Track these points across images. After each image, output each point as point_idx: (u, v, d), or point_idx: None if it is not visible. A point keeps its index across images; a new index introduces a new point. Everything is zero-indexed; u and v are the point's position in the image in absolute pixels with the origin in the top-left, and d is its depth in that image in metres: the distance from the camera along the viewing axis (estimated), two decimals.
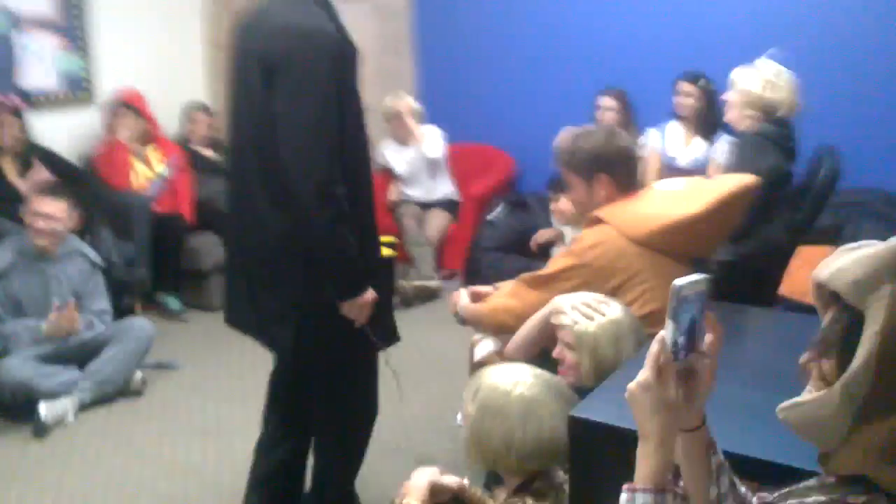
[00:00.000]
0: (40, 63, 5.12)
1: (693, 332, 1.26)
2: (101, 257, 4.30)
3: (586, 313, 2.29)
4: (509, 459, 2.00)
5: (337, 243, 2.32)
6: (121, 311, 4.42)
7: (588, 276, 2.54)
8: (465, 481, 2.13)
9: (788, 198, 3.60)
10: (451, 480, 2.08)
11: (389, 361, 2.67)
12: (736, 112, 3.61)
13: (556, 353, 2.32)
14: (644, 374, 1.26)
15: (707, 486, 1.36)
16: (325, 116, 2.26)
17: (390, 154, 5.71)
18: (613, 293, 2.48)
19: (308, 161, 2.25)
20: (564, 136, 2.79)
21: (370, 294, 2.42)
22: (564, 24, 5.65)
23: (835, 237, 4.10)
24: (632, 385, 1.28)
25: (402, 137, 5.63)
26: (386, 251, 4.99)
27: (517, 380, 2.03)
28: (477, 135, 5.96)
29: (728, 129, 4.17)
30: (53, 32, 5.17)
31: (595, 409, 1.91)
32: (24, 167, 4.72)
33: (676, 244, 2.55)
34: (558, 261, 2.66)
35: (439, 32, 6.17)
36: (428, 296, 5.16)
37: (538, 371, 2.08)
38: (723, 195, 2.59)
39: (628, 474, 1.39)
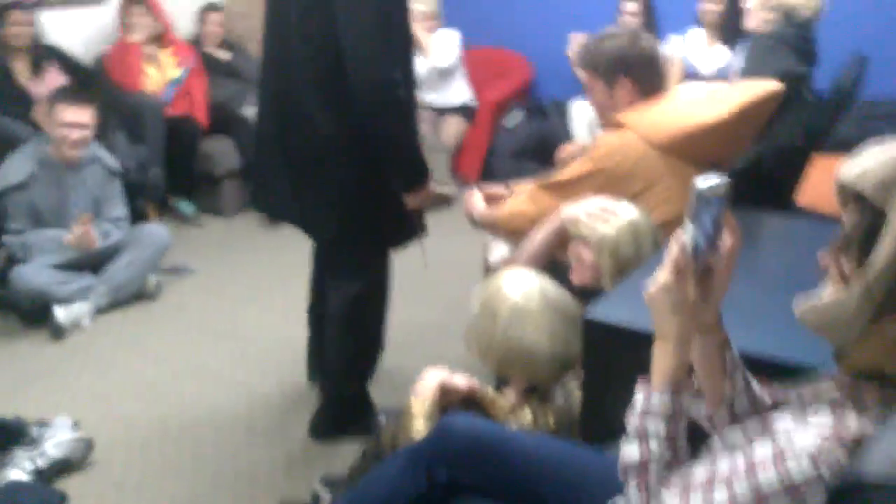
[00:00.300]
0: None
1: (712, 233, 1.25)
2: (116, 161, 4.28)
3: (603, 217, 2.26)
4: (489, 359, 2.08)
5: (403, 137, 2.52)
6: (135, 216, 4.41)
7: (607, 182, 2.49)
8: (476, 381, 2.14)
9: (807, 102, 3.51)
10: (461, 381, 2.11)
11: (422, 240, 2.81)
12: (756, 17, 3.50)
13: (574, 251, 2.29)
14: (663, 275, 1.26)
15: (721, 383, 1.36)
16: (386, 18, 2.39)
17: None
18: (633, 199, 2.43)
19: (374, 62, 2.38)
20: (586, 38, 2.73)
21: (432, 183, 2.65)
22: None
23: (857, 149, 4.01)
24: (651, 287, 1.28)
25: (423, 45, 5.52)
26: None
27: (521, 288, 2.06)
28: (494, 38, 5.84)
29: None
30: None
31: (608, 312, 1.90)
32: (36, 68, 4.63)
33: (698, 150, 2.49)
34: (576, 166, 2.60)
35: None
36: (442, 202, 5.13)
37: (548, 286, 2.08)
38: (746, 101, 2.53)
39: (640, 374, 1.38)
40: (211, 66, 5.36)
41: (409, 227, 2.73)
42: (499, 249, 2.89)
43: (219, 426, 3.00)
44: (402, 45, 2.55)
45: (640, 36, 2.67)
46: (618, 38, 2.64)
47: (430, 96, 5.59)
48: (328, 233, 2.70)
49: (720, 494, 1.16)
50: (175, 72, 5.09)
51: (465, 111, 5.59)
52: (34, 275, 3.71)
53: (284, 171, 2.66)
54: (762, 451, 1.16)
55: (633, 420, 1.32)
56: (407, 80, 2.54)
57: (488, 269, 2.90)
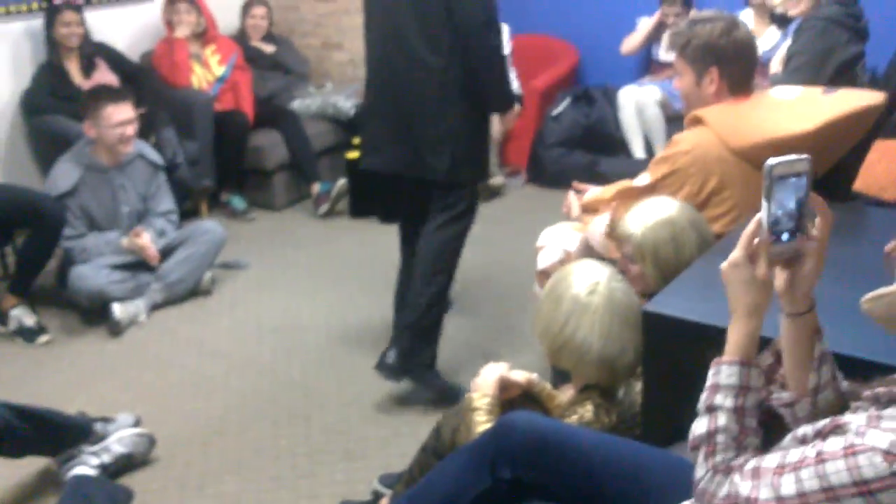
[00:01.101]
0: None
1: (798, 214, 1.24)
2: (166, 158, 4.32)
3: (638, 220, 2.24)
4: (545, 344, 2.07)
5: (499, 64, 2.97)
6: (186, 212, 4.47)
7: (682, 183, 2.45)
8: (535, 376, 2.14)
9: (863, 83, 3.45)
10: (519, 375, 2.11)
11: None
12: (808, 3, 3.42)
13: (621, 266, 2.27)
14: (735, 252, 1.31)
15: (806, 373, 1.36)
16: None
17: None
18: (706, 202, 2.41)
19: (477, 7, 2.83)
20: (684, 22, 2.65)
21: (517, 107, 3.25)
22: None
23: None
24: (724, 264, 1.34)
25: None
26: None
27: (589, 281, 2.02)
28: (540, 25, 5.79)
29: None
30: None
31: (667, 304, 1.89)
32: (88, 67, 4.70)
33: None
34: (655, 169, 2.54)
35: None
36: (492, 193, 5.12)
37: (618, 286, 2.04)
38: (839, 115, 2.41)
39: (700, 370, 1.38)
40: (256, 59, 5.39)
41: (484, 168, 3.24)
42: (549, 254, 2.87)
43: (276, 421, 3.04)
44: None
45: (737, 25, 2.54)
46: (713, 23, 2.52)
47: None
48: (442, 167, 2.99)
49: (788, 482, 1.15)
50: (219, 69, 5.13)
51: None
52: (92, 275, 3.77)
53: (396, 120, 3.03)
54: (832, 443, 1.15)
55: (703, 396, 1.35)
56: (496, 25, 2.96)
57: (538, 276, 2.88)
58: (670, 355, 1.87)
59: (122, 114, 3.87)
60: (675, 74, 2.68)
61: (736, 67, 2.51)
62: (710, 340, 1.48)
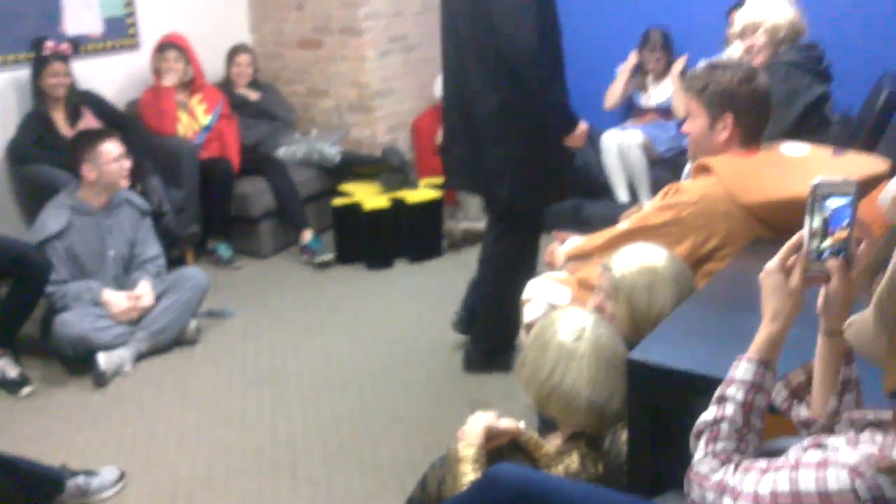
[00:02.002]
0: (85, 7, 5.08)
1: (839, 234, 1.30)
2: (152, 206, 4.33)
3: (623, 261, 2.24)
4: (531, 392, 2.07)
5: (552, 89, 3.14)
6: (172, 259, 4.45)
7: (684, 234, 2.43)
8: (521, 425, 2.13)
9: (832, 123, 3.50)
10: (507, 424, 2.10)
11: None
12: (764, 53, 3.47)
13: (598, 303, 2.27)
14: (773, 259, 1.41)
15: (828, 393, 1.42)
16: (527, 4, 3.05)
17: None
18: (708, 256, 2.40)
19: (517, 35, 3.04)
20: (702, 64, 2.65)
21: (584, 125, 3.29)
22: None
23: None
24: (765, 267, 1.43)
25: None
26: (433, 193, 5.02)
27: (574, 327, 2.03)
28: None
29: None
30: None
31: (651, 352, 1.89)
32: (74, 116, 4.71)
33: (783, 219, 2.33)
34: (658, 214, 2.52)
35: None
36: (476, 238, 5.12)
37: (603, 332, 2.04)
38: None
39: (686, 418, 1.39)
40: (241, 107, 5.41)
41: (562, 186, 3.49)
42: (535, 308, 2.86)
43: (262, 473, 3.01)
44: (545, 18, 3.13)
45: (757, 75, 2.55)
46: (734, 70, 2.53)
47: None
48: (504, 194, 3.30)
49: (766, 481, 1.26)
50: (205, 118, 5.15)
51: None
52: (76, 321, 3.75)
53: (465, 147, 3.36)
54: (811, 454, 1.24)
55: (718, 390, 1.44)
56: (552, 46, 3.18)
57: (525, 328, 2.88)
58: (655, 403, 1.87)
59: (116, 148, 3.93)
60: (686, 115, 2.65)
61: (751, 117, 2.51)
62: (695, 389, 1.50)
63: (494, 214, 3.53)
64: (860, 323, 1.18)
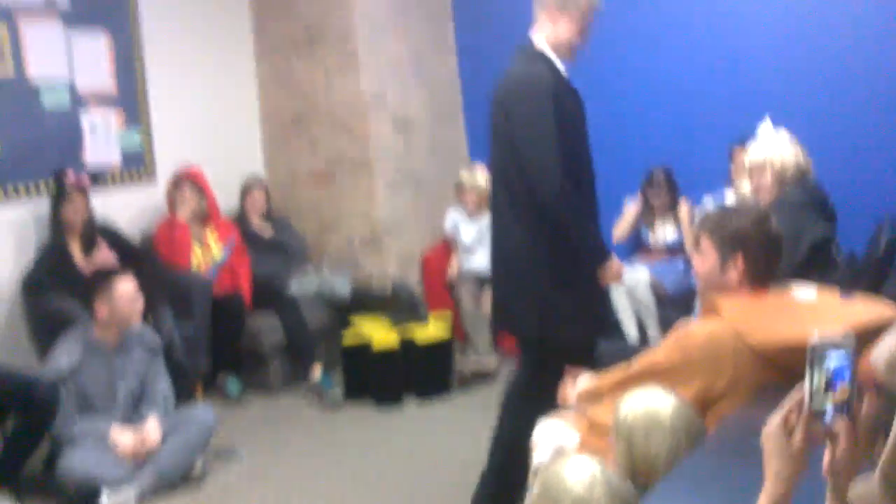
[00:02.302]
0: (104, 140, 5.22)
1: (839, 391, 1.26)
2: (163, 339, 4.33)
3: (631, 402, 2.23)
4: None
5: (578, 227, 3.14)
6: (181, 394, 4.43)
7: (692, 375, 2.41)
8: None
9: (837, 263, 3.54)
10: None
11: None
12: (771, 191, 3.55)
13: (609, 441, 2.26)
14: (773, 418, 1.35)
15: None
16: (550, 136, 3.05)
17: (461, 224, 5.73)
18: (717, 399, 2.38)
19: (545, 169, 3.04)
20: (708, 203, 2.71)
21: (616, 260, 3.24)
22: (610, 101, 5.56)
23: None
24: (765, 428, 1.37)
25: (474, 210, 5.65)
26: (443, 331, 5.00)
27: (583, 477, 2.00)
28: None
29: None
30: (114, 108, 5.27)
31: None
32: (89, 246, 4.77)
33: (793, 363, 2.34)
34: (667, 355, 2.51)
35: (486, 102, 6.21)
36: (485, 376, 5.12)
37: (612, 477, 2.02)
38: (857, 324, 2.34)
39: None
40: (254, 241, 5.49)
41: (595, 323, 3.45)
42: (542, 454, 2.84)
43: None
44: (574, 154, 3.14)
45: (769, 218, 2.60)
46: (747, 215, 2.59)
47: (476, 262, 5.66)
48: (532, 332, 3.27)
49: None
50: (219, 252, 5.21)
51: None
52: (81, 458, 3.71)
53: (500, 281, 3.39)
54: None
55: None
56: (580, 182, 3.17)
57: (534, 476, 2.84)
58: None
59: (131, 287, 3.94)
60: (694, 254, 2.68)
61: (762, 260, 2.53)
62: None
63: (525, 354, 3.47)
64: (866, 492, 1.16)
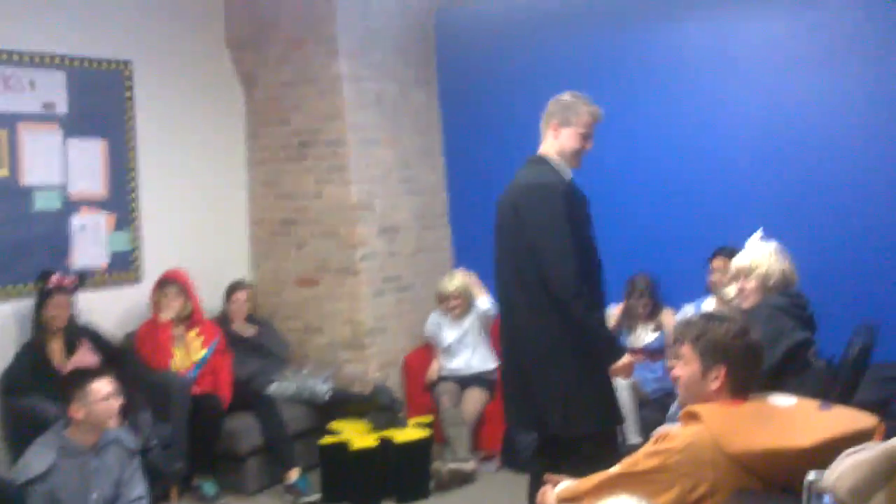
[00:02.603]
0: (93, 242, 5.31)
1: None
2: (140, 440, 4.30)
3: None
4: None
5: (594, 323, 3.37)
6: (156, 496, 4.37)
7: (671, 480, 2.41)
8: None
9: (814, 368, 3.56)
10: None
11: None
12: (756, 297, 3.61)
13: None
14: None
15: None
16: (565, 240, 3.33)
17: (443, 326, 5.79)
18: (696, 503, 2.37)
19: (562, 272, 3.31)
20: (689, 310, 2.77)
21: (628, 356, 3.46)
22: (593, 207, 5.69)
23: (883, 410, 4.02)
24: None
25: (455, 315, 5.73)
26: (421, 432, 4.98)
27: None
28: None
29: None
30: (105, 211, 5.38)
31: None
32: (70, 347, 4.80)
33: (772, 470, 2.37)
34: (646, 460, 2.52)
35: (473, 210, 6.35)
36: (463, 479, 5.06)
37: None
38: (836, 435, 2.37)
39: None
40: (235, 342, 5.51)
41: (614, 412, 3.55)
42: None
43: None
44: (584, 249, 3.41)
45: (750, 331, 2.63)
46: (729, 324, 2.61)
47: (456, 363, 5.70)
48: (558, 417, 3.39)
49: None
50: (201, 353, 5.22)
51: (486, 383, 5.65)
52: None
53: (514, 379, 3.54)
54: None
55: None
56: (593, 283, 3.42)
57: None
58: None
59: (107, 387, 3.89)
60: (675, 361, 2.70)
61: (743, 371, 2.56)
62: None
63: (544, 450, 3.57)
64: None
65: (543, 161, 3.55)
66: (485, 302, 5.68)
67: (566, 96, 3.60)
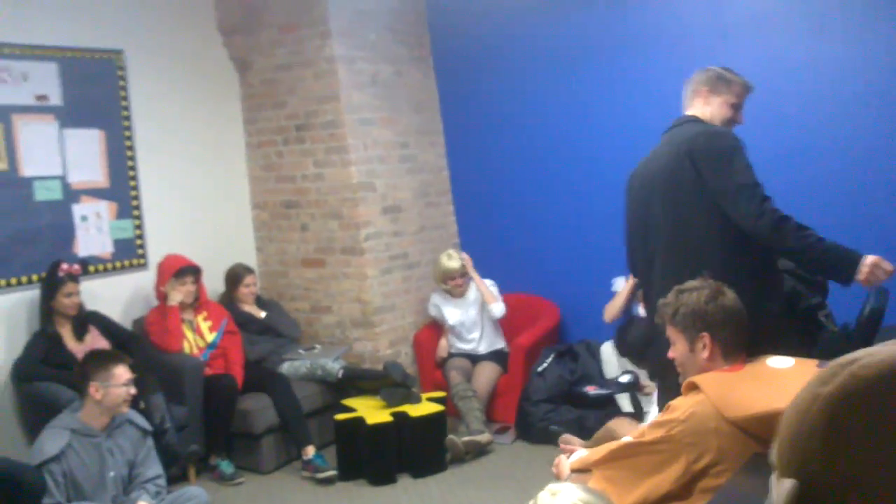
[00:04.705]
0: (96, 231, 5.30)
1: None
2: (154, 424, 4.30)
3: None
4: None
5: (811, 241, 2.92)
6: (173, 477, 4.38)
7: (675, 452, 2.43)
8: None
9: (829, 331, 3.56)
10: None
11: None
12: None
13: None
14: None
15: None
16: (744, 171, 3.01)
17: (444, 307, 5.81)
18: (702, 474, 2.38)
19: (752, 199, 2.93)
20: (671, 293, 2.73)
21: (870, 257, 2.89)
22: (599, 181, 5.69)
23: None
24: None
25: (459, 293, 5.75)
26: (436, 407, 4.98)
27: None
28: (520, 285, 6.01)
29: None
30: (106, 200, 5.37)
31: None
32: (81, 332, 4.82)
33: (772, 433, 2.37)
34: (651, 431, 2.54)
35: (475, 186, 6.36)
36: (479, 451, 5.07)
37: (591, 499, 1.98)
38: None
39: None
40: (246, 324, 5.51)
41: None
42: None
43: None
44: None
45: (723, 291, 2.64)
46: (699, 291, 2.63)
47: (465, 345, 5.71)
48: None
49: None
50: (210, 335, 5.24)
51: (498, 357, 5.67)
52: None
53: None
54: None
55: None
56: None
57: None
58: None
59: (127, 373, 3.92)
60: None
61: (726, 332, 2.58)
62: None
63: None
64: None
65: (699, 120, 3.31)
66: (499, 308, 5.70)
67: (715, 68, 3.40)
